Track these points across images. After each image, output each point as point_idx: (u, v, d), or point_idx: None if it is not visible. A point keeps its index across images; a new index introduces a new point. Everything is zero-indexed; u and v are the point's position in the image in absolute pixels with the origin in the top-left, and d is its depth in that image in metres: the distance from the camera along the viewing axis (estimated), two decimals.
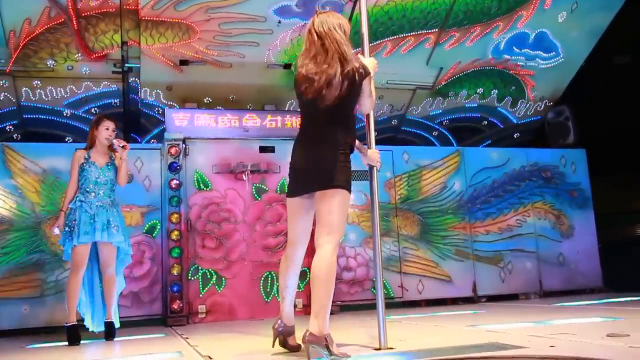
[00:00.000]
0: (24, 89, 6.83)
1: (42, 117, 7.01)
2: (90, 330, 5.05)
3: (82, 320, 5.05)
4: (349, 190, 3.16)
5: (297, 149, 3.27)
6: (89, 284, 5.06)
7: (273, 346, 3.31)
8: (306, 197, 3.23)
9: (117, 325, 5.02)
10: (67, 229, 4.84)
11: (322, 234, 3.09)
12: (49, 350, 4.53)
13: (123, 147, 5.04)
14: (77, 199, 4.89)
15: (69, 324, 4.76)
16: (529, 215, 7.88)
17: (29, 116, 6.99)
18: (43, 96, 6.92)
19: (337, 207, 3.09)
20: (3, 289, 5.92)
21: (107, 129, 5.07)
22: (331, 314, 6.36)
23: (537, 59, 8.10)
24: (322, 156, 3.14)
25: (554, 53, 8.09)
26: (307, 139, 3.25)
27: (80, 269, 4.81)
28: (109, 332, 4.93)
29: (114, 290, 5.01)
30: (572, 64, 8.26)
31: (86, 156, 5.00)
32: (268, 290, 6.61)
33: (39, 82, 6.84)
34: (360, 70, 3.17)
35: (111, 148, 5.11)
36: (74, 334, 4.73)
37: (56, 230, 4.90)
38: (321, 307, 2.93)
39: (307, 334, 2.86)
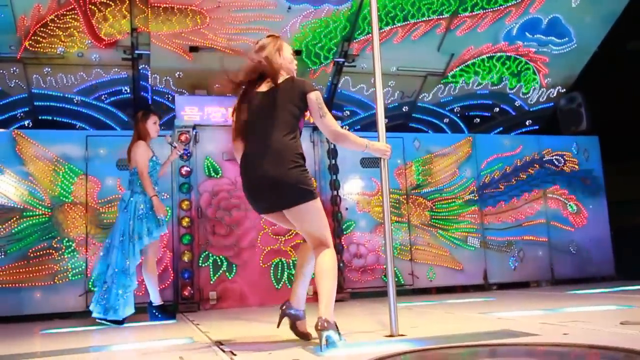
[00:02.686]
0: (35, 75, 6.85)
1: (53, 104, 7.03)
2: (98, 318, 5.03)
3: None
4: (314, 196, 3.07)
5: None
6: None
7: (278, 327, 3.27)
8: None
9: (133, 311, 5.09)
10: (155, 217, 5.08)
11: (313, 246, 3.14)
12: (62, 335, 4.56)
13: (177, 148, 5.43)
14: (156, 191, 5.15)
15: (158, 304, 5.17)
16: (541, 203, 7.83)
17: (39, 103, 7.00)
18: (53, 83, 6.93)
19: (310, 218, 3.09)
20: (16, 275, 5.97)
21: (155, 123, 5.30)
22: (342, 301, 6.41)
23: (549, 45, 8.01)
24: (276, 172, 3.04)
25: (567, 39, 7.99)
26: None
27: None
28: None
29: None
30: (585, 50, 8.16)
31: (152, 150, 5.24)
32: (278, 277, 6.62)
33: (49, 69, 6.85)
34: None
35: None
36: (170, 310, 5.23)
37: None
38: (331, 297, 2.98)
39: (322, 320, 2.85)
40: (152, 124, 5.25)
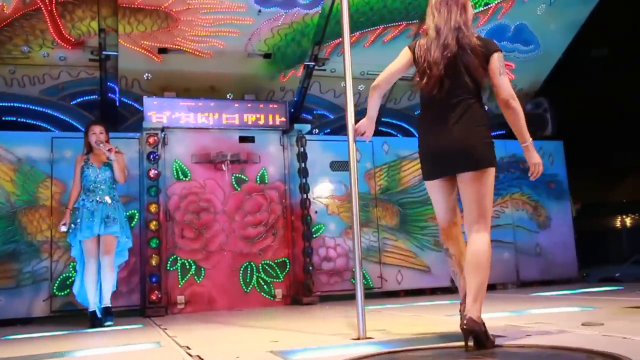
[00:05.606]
0: None
1: (17, 105, 6.88)
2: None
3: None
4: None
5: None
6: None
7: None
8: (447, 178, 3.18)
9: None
10: (72, 226, 5.19)
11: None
12: (26, 342, 4.47)
13: (109, 150, 5.26)
14: (81, 198, 5.25)
15: (89, 310, 5.15)
16: (507, 207, 7.96)
17: (3, 104, 6.85)
18: (18, 83, 6.79)
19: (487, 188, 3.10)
20: None
21: (94, 133, 5.35)
22: (311, 304, 6.40)
23: (516, 52, 8.15)
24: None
25: (532, 45, 8.15)
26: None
27: (90, 261, 5.17)
28: (106, 316, 5.20)
29: (110, 278, 5.23)
30: (550, 56, 8.34)
31: (86, 159, 5.35)
32: (247, 280, 6.60)
33: (13, 69, 6.71)
34: None
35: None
36: (94, 319, 5.10)
37: (63, 227, 5.28)
38: (481, 292, 2.78)
39: (467, 318, 2.65)
40: (92, 135, 5.36)
